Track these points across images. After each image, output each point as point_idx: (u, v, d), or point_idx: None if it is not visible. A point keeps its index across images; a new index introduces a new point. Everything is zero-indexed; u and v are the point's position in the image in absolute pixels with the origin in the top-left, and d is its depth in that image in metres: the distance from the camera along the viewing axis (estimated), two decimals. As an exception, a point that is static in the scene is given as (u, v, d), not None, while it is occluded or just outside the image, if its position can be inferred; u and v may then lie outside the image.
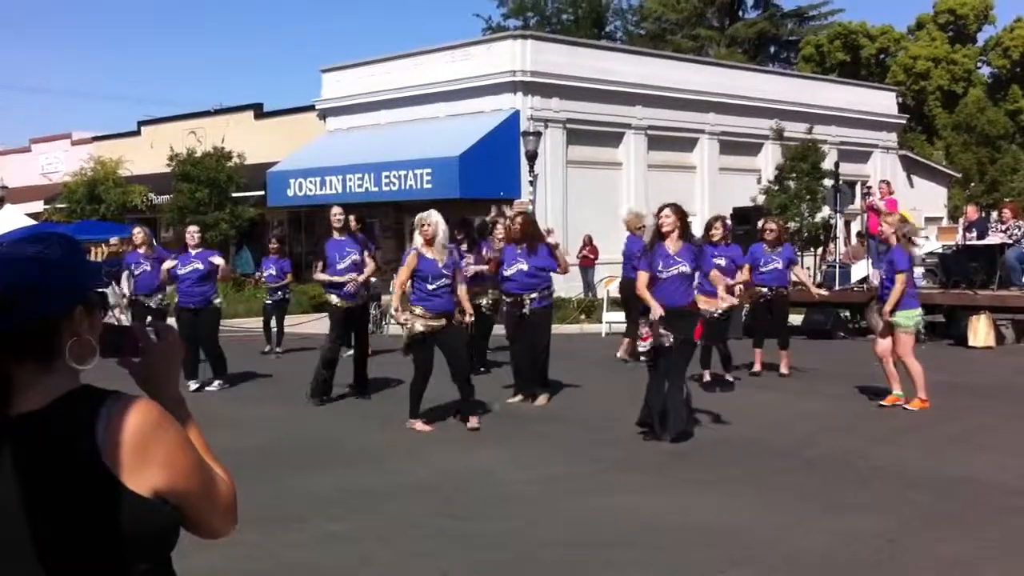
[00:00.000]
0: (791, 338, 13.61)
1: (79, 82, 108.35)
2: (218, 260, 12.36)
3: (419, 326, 9.20)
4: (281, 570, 5.47)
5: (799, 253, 19.78)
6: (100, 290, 1.85)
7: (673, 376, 8.66)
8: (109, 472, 1.65)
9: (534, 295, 10.73)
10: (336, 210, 11.40)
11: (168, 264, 12.38)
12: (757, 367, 12.94)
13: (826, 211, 25.16)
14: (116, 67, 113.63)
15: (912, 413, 9.99)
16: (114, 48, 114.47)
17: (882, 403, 10.36)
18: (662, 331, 8.51)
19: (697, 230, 12.60)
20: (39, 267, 1.71)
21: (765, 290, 12.77)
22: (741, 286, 11.71)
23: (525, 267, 10.69)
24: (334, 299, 11.04)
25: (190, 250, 12.17)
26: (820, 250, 24.15)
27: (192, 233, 12.42)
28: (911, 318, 10.10)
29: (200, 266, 11.99)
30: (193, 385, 11.74)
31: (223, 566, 5.31)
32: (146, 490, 1.67)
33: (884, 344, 10.23)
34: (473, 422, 9.30)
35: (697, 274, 8.94)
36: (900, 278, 10.02)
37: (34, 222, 29.38)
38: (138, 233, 13.25)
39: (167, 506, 1.71)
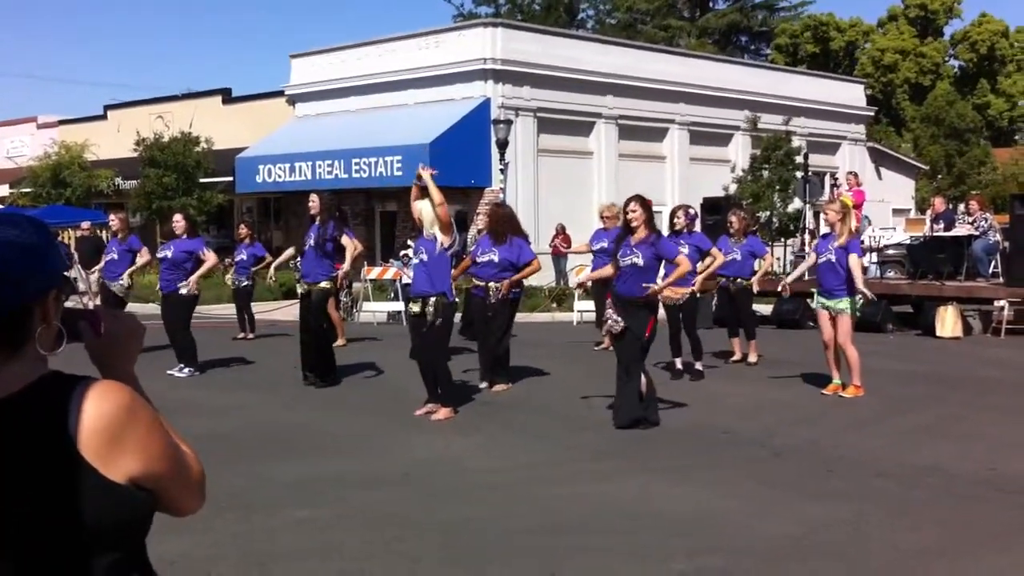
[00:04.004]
0: (760, 327, 13.72)
1: (45, 65, 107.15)
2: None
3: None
4: (251, 557, 5.44)
5: (769, 244, 19.85)
6: (67, 275, 1.82)
7: (630, 367, 8.74)
8: (84, 461, 1.62)
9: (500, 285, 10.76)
10: (312, 197, 11.46)
11: (143, 259, 13.17)
12: (737, 355, 13.15)
13: (798, 202, 25.34)
14: (82, 50, 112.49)
15: (879, 401, 10.10)
16: (81, 31, 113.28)
17: (824, 392, 10.51)
18: (613, 316, 8.74)
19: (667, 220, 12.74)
20: (18, 252, 1.67)
21: (723, 280, 12.91)
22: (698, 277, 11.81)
23: (496, 258, 10.74)
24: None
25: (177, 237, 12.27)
26: (799, 241, 24.25)
27: (174, 221, 12.43)
28: (854, 303, 10.26)
29: (169, 254, 12.08)
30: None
31: (193, 552, 5.29)
32: (121, 477, 1.65)
33: (830, 332, 10.37)
34: (440, 414, 9.26)
35: (663, 263, 9.02)
36: (858, 262, 10.26)
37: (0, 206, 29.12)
38: (113, 220, 13.31)
39: (142, 492, 1.69)
